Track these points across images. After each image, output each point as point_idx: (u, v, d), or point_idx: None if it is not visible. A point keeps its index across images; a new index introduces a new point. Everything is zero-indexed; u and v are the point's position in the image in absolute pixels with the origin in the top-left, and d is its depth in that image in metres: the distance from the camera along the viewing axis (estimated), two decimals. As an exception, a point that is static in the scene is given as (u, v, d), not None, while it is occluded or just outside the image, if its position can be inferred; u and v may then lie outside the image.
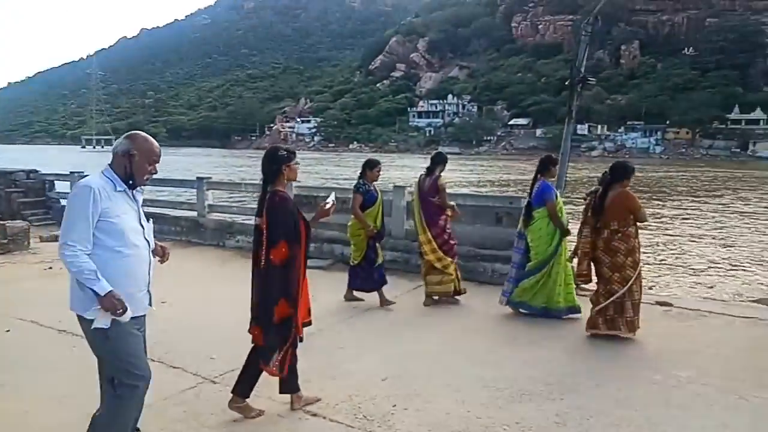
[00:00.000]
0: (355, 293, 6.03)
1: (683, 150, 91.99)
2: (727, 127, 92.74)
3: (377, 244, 5.95)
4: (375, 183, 5.93)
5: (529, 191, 5.68)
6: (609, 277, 4.85)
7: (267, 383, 3.45)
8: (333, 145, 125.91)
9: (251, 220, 9.91)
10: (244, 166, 57.98)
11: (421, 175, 6.15)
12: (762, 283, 10.35)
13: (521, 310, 5.57)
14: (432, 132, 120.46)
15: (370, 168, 5.83)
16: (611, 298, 4.79)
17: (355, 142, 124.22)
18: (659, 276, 10.69)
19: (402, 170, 50.44)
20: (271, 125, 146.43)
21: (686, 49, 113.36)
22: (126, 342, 2.59)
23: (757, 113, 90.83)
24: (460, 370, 4.13)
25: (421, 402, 3.64)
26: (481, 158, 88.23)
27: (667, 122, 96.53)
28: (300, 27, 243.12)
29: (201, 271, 7.69)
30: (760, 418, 3.42)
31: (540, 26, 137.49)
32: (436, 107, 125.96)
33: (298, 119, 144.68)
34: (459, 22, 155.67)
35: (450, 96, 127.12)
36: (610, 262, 4.85)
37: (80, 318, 2.57)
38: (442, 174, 6.15)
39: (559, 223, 5.40)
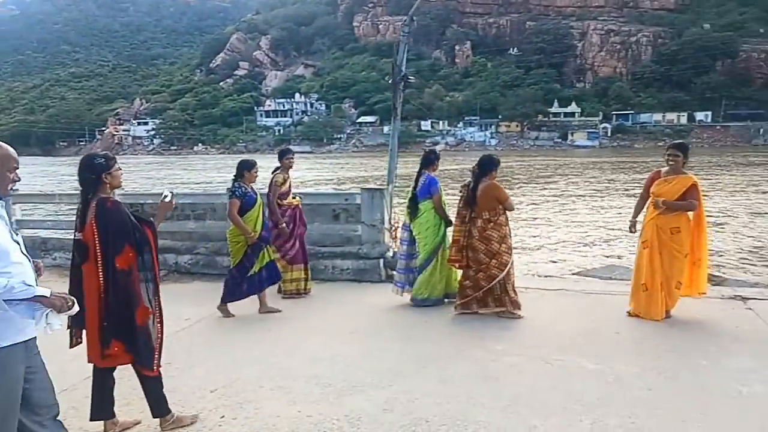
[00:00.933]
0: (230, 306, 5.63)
1: (514, 141, 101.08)
2: (549, 119, 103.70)
3: (264, 251, 5.58)
4: (253, 185, 5.62)
5: (413, 185, 5.74)
6: (488, 264, 5.19)
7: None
8: (176, 147, 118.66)
9: (70, 235, 8.96)
10: (72, 175, 52.32)
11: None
12: (603, 257, 11.35)
13: (427, 305, 5.64)
14: (281, 131, 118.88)
15: (248, 169, 5.49)
16: (493, 282, 5.16)
17: (200, 144, 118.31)
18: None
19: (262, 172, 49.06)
20: (103, 128, 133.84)
21: (512, 49, 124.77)
22: (12, 382, 2.30)
23: (573, 107, 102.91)
24: (293, 371, 4.09)
25: (251, 409, 3.53)
26: (333, 156, 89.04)
27: (499, 117, 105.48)
28: (129, 22, 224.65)
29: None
30: (559, 379, 3.83)
31: (380, 26, 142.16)
32: (284, 106, 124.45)
33: (134, 121, 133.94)
34: (301, 21, 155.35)
35: (297, 95, 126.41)
36: (486, 250, 5.19)
37: None
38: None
39: (444, 214, 5.63)
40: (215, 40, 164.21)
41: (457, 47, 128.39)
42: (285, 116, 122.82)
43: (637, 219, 5.33)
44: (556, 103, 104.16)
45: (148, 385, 3.25)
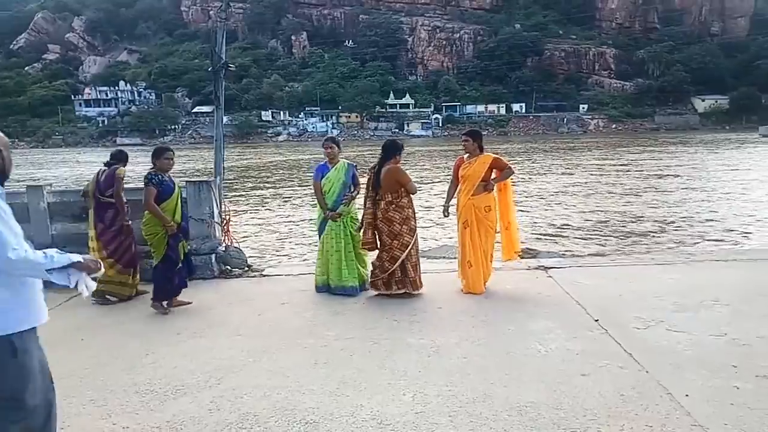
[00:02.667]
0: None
1: (355, 132, 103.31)
2: (386, 111, 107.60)
3: (180, 243, 5.37)
4: (170, 173, 5.37)
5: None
6: (390, 244, 5.31)
7: None
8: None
9: None
10: None
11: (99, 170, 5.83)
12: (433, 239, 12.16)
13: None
14: (106, 122, 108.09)
15: (156, 157, 5.25)
16: (396, 264, 5.27)
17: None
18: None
19: (77, 166, 44.03)
20: None
21: (347, 41, 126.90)
22: (35, 361, 2.38)
23: (407, 99, 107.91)
24: (109, 382, 3.75)
25: (56, 428, 3.17)
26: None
27: (339, 108, 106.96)
28: None
29: None
30: (385, 357, 4.01)
31: (211, 12, 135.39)
32: (107, 95, 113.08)
33: None
34: (120, 2, 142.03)
35: (122, 83, 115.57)
36: (388, 231, 5.33)
37: None
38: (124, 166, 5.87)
39: (322, 202, 5.75)
40: (15, 19, 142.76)
41: (293, 37, 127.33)
42: (109, 105, 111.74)
43: (450, 204, 5.76)
44: (392, 95, 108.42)
45: None
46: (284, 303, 5.42)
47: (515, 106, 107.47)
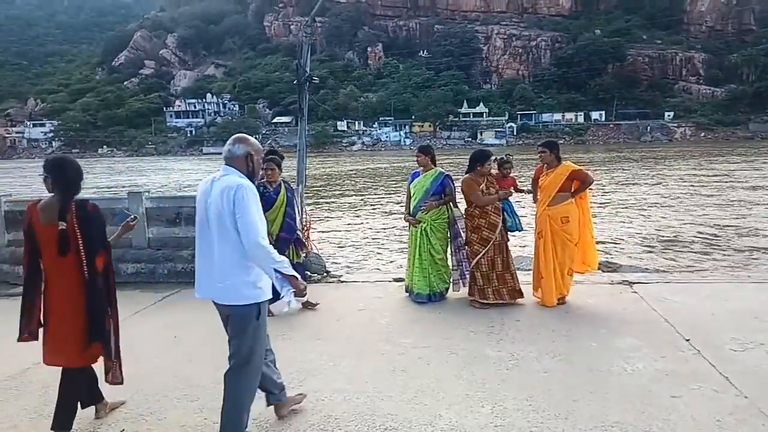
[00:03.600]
0: None
1: (428, 141, 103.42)
2: (459, 119, 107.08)
3: (287, 253, 5.38)
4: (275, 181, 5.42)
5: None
6: (469, 251, 5.51)
7: None
8: (78, 150, 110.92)
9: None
10: (-47, 182, 47.55)
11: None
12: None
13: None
14: (194, 132, 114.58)
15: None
16: (470, 268, 5.43)
17: (104, 147, 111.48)
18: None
19: (170, 174, 46.99)
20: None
21: (422, 51, 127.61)
22: (264, 327, 3.08)
23: (481, 107, 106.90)
24: (200, 379, 3.97)
25: (154, 420, 3.43)
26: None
27: (413, 117, 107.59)
28: (18, 15, 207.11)
29: None
30: (463, 368, 3.99)
31: (292, 26, 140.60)
32: (195, 107, 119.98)
33: (28, 122, 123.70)
34: (209, 19, 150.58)
35: (209, 95, 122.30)
36: (468, 239, 5.51)
37: (232, 306, 2.95)
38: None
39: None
40: (117, 38, 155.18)
41: (369, 49, 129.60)
42: (197, 117, 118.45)
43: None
44: (465, 104, 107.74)
45: (74, 393, 3.25)
46: (361, 309, 5.52)
47: (594, 114, 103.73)
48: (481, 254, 5.40)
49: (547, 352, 4.18)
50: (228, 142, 3.05)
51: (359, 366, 4.11)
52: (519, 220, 5.83)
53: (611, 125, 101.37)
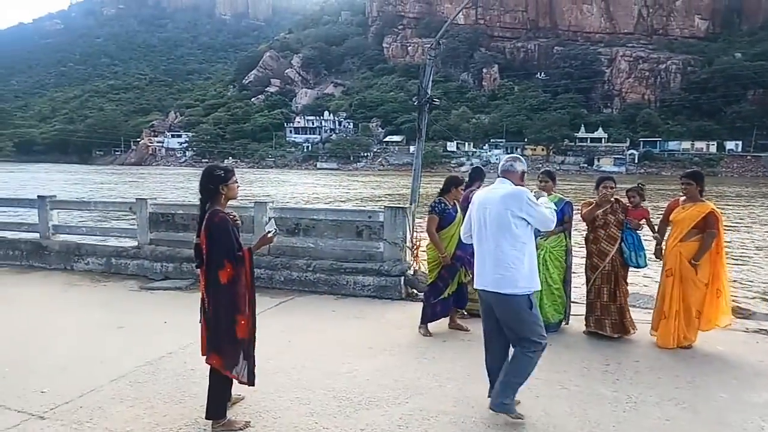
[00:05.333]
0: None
1: (540, 165, 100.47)
2: (575, 144, 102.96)
3: (459, 272, 5.39)
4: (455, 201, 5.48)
5: None
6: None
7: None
8: (207, 160, 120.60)
9: (103, 241, 9.27)
10: (106, 183, 53.77)
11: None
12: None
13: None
14: (310, 148, 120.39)
15: (455, 185, 5.40)
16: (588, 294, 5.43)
17: (230, 158, 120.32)
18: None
19: (283, 186, 49.86)
20: (138, 139, 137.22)
21: (539, 73, 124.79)
22: (539, 315, 3.58)
23: (599, 132, 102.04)
24: (312, 384, 4.17)
25: (270, 418, 3.63)
26: (360, 174, 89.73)
27: (525, 140, 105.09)
28: (167, 37, 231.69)
29: (40, 297, 7.01)
30: (575, 404, 3.84)
31: (409, 48, 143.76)
32: (313, 123, 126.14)
33: (168, 133, 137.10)
34: (332, 41, 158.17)
35: (326, 113, 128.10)
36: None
37: (503, 295, 3.43)
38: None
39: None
40: (249, 58, 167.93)
41: (484, 70, 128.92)
42: (314, 133, 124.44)
43: (661, 245, 5.33)
44: (582, 128, 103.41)
45: (217, 387, 3.41)
46: (468, 332, 5.47)
47: (729, 144, 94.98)
48: (591, 282, 5.25)
49: (670, 399, 3.90)
50: (506, 159, 3.74)
51: (465, 389, 4.08)
52: (644, 255, 5.39)
53: (749, 157, 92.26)
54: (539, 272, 5.41)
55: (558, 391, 4.07)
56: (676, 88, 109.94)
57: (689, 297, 4.96)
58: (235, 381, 3.47)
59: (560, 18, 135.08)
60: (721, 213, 5.10)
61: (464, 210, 5.37)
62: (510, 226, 3.42)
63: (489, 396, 3.67)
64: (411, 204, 7.34)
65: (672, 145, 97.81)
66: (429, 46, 6.70)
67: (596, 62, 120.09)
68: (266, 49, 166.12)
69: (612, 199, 5.39)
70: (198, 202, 3.46)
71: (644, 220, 5.54)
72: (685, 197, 5.15)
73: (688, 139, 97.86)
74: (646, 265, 5.49)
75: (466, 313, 5.85)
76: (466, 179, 5.89)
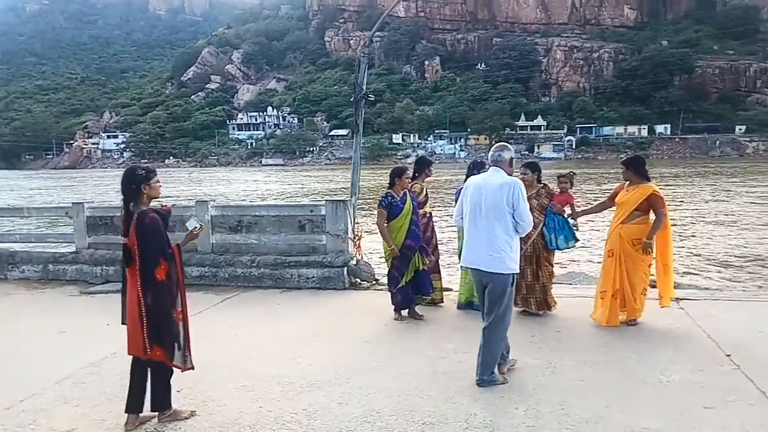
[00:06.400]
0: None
1: (483, 154, 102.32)
2: (516, 132, 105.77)
3: (413, 260, 5.55)
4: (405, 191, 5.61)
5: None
6: None
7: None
8: (146, 161, 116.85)
9: (39, 248, 9.04)
10: (39, 188, 51.32)
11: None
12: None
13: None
14: (254, 144, 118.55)
15: (398, 176, 5.53)
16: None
17: (171, 157, 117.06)
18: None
19: (230, 184, 48.98)
20: (71, 141, 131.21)
21: (479, 64, 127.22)
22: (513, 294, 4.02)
23: (539, 120, 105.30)
24: (257, 373, 4.34)
25: (215, 406, 3.79)
26: (305, 168, 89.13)
27: (468, 130, 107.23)
28: (98, 34, 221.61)
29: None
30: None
31: (352, 41, 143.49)
32: (256, 119, 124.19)
33: (103, 134, 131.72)
34: (273, 35, 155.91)
35: (270, 108, 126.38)
36: None
37: (495, 274, 3.83)
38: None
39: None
40: (186, 54, 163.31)
41: (426, 62, 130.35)
42: (257, 129, 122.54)
43: (580, 214, 5.73)
44: (523, 117, 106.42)
45: (160, 379, 3.51)
46: (407, 315, 5.75)
47: (659, 128, 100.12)
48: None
49: (585, 362, 4.31)
50: (494, 148, 4.09)
51: (403, 367, 4.36)
52: (564, 238, 5.60)
53: (677, 139, 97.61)
54: None
55: (487, 362, 4.41)
56: (609, 75, 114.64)
57: (633, 276, 5.16)
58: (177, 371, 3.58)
59: (498, 10, 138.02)
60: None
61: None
62: (505, 213, 3.81)
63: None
64: (352, 197, 7.56)
65: (606, 130, 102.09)
66: (363, 44, 6.91)
67: (533, 52, 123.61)
68: (205, 45, 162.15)
69: (540, 185, 5.71)
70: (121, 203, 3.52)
71: (568, 205, 5.91)
72: (628, 182, 5.37)
73: (621, 124, 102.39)
74: (567, 248, 5.74)
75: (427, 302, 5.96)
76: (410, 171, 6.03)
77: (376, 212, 5.61)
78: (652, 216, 5.21)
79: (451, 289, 6.56)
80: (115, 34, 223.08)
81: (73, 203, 8.25)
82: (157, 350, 3.44)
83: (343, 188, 37.85)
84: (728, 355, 4.33)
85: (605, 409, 3.53)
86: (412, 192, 5.87)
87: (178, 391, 3.97)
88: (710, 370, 4.07)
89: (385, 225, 5.54)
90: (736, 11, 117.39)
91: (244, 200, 33.05)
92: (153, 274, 3.34)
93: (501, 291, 3.86)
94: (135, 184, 3.39)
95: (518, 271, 3.95)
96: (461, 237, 5.71)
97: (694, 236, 15.28)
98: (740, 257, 12.26)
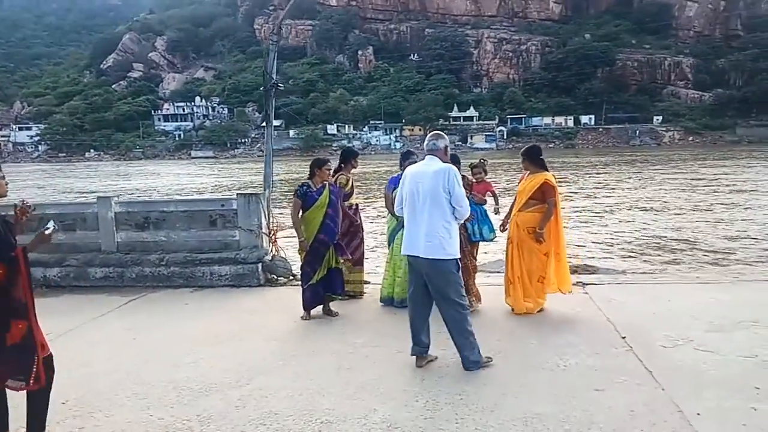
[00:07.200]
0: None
1: (418, 145, 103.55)
2: (450, 123, 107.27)
3: (326, 256, 5.40)
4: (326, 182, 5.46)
5: None
6: None
7: None
8: (65, 154, 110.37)
9: None
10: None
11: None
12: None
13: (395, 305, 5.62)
14: (182, 136, 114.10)
15: (319, 167, 5.41)
16: None
17: (92, 150, 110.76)
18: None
19: (158, 178, 46.93)
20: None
21: (412, 55, 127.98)
22: (460, 278, 4.05)
23: (471, 111, 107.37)
24: (151, 378, 4.12)
25: (102, 416, 3.56)
26: (237, 160, 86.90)
27: (403, 121, 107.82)
28: (4, 17, 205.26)
29: None
30: (405, 366, 4.16)
31: (283, 30, 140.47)
32: (184, 110, 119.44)
33: (14, 126, 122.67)
34: (199, 22, 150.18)
35: (198, 98, 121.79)
36: None
37: (435, 260, 3.87)
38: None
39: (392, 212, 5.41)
40: (105, 40, 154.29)
41: (359, 52, 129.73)
42: (185, 120, 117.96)
43: (508, 219, 5.63)
44: (455, 108, 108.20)
45: (34, 401, 3.14)
46: (318, 311, 5.65)
47: (584, 118, 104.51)
48: None
49: (488, 351, 4.33)
50: (429, 137, 4.14)
51: (308, 364, 4.26)
52: (488, 228, 5.65)
53: (601, 129, 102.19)
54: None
55: (394, 354, 4.39)
56: (537, 67, 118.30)
57: (530, 264, 5.29)
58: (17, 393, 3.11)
59: (429, 1, 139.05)
60: (560, 181, 5.59)
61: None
62: (442, 199, 3.87)
63: (412, 354, 4.16)
64: (265, 190, 7.35)
65: (535, 120, 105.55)
66: (272, 32, 6.67)
67: (464, 44, 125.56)
68: (125, 31, 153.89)
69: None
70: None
71: (489, 193, 5.95)
72: (527, 171, 5.50)
73: (548, 114, 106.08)
74: (491, 239, 5.77)
75: (345, 296, 5.80)
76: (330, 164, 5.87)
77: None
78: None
79: (368, 282, 6.48)
80: (24, 17, 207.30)
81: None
82: None
83: (280, 180, 37.15)
84: (623, 338, 4.52)
85: (502, 396, 3.58)
86: (337, 184, 5.77)
87: (63, 403, 3.73)
88: (605, 353, 4.22)
89: (299, 216, 5.39)
90: (651, 7, 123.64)
91: (179, 194, 31.78)
92: None
93: (445, 277, 3.91)
94: None
95: (459, 256, 3.98)
96: (390, 227, 5.72)
97: (615, 222, 16.03)
98: (651, 240, 12.96)
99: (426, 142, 4.16)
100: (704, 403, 3.35)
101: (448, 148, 4.15)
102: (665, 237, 13.34)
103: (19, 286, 2.98)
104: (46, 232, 3.12)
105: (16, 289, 2.96)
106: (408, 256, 4.11)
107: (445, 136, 4.19)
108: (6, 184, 3.14)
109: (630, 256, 11.32)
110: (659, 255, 11.35)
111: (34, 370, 3.07)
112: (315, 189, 5.40)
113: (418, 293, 4.11)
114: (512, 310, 5.37)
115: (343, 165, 6.12)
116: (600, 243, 12.77)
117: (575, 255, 10.96)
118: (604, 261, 10.49)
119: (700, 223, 15.10)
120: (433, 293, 4.02)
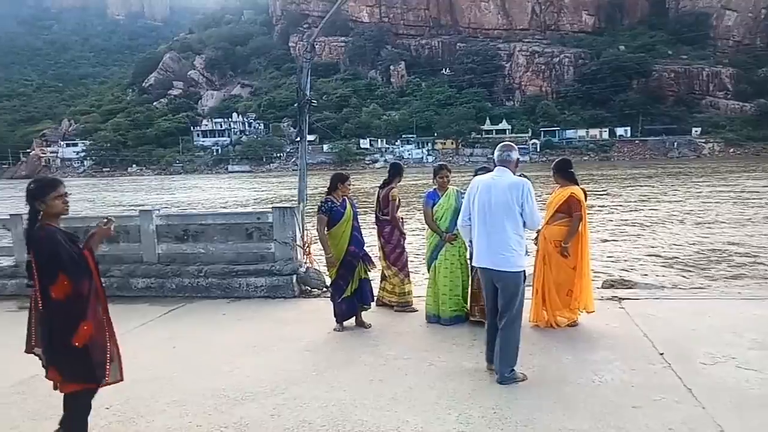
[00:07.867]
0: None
1: (450, 158, 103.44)
2: (482, 136, 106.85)
3: (357, 269, 5.50)
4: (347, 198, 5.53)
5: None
6: None
7: None
8: (108, 169, 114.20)
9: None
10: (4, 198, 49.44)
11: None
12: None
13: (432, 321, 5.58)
14: (219, 151, 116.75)
15: (341, 182, 5.48)
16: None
17: (134, 165, 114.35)
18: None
19: (201, 192, 48.09)
20: (28, 150, 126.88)
21: (444, 69, 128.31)
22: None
23: (503, 124, 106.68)
24: (190, 386, 4.23)
25: (143, 423, 3.67)
26: (273, 175, 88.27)
27: (435, 134, 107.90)
28: (54, 40, 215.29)
29: None
30: (438, 378, 4.17)
31: (317, 46, 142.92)
32: (221, 126, 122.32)
33: (62, 143, 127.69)
34: (236, 40, 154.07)
35: (235, 114, 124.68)
36: None
37: (506, 272, 3.95)
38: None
39: (435, 228, 5.54)
40: (147, 60, 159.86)
41: (392, 67, 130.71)
42: (223, 136, 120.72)
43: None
44: (488, 121, 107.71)
45: (71, 404, 3.21)
46: (351, 323, 5.70)
47: (619, 130, 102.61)
48: (475, 272, 5.41)
49: (521, 365, 4.30)
50: (502, 148, 4.14)
51: (341, 375, 4.31)
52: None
53: (637, 141, 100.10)
54: (453, 267, 5.53)
55: (426, 367, 4.40)
56: (570, 79, 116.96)
57: (557, 276, 5.24)
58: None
59: (460, 15, 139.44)
60: (588, 195, 5.50)
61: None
62: (515, 212, 3.92)
63: (487, 361, 4.23)
64: (300, 203, 7.49)
65: (569, 133, 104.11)
66: (305, 49, 6.85)
67: (496, 57, 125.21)
68: (166, 51, 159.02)
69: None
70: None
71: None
72: (558, 185, 5.47)
73: (583, 127, 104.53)
74: None
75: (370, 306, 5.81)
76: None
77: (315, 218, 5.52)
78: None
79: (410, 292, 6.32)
80: (72, 40, 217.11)
81: (10, 215, 7.94)
82: (52, 372, 3.12)
83: (312, 193, 37.60)
84: (661, 354, 4.42)
85: (536, 411, 3.55)
86: (390, 197, 5.85)
87: (107, 408, 3.86)
88: (642, 369, 4.14)
89: (326, 232, 5.47)
90: (688, 17, 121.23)
91: (224, 207, 32.58)
92: (48, 291, 2.99)
93: (513, 289, 3.95)
94: (29, 201, 3.06)
95: (524, 268, 4.02)
96: (431, 244, 5.69)
97: (668, 234, 15.68)
98: (696, 255, 12.61)
99: (498, 153, 4.14)
100: (747, 423, 3.26)
101: (519, 160, 4.18)
102: (726, 251, 12.95)
103: (83, 288, 3.06)
104: (106, 224, 3.21)
105: (81, 292, 3.05)
106: (480, 268, 4.13)
107: (516, 147, 4.19)
108: (63, 203, 3.13)
109: (687, 271, 11.03)
110: (721, 270, 11.00)
111: (98, 372, 3.18)
112: (339, 203, 5.47)
113: (493, 306, 4.13)
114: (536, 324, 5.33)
115: (393, 178, 6.11)
116: (657, 256, 12.53)
117: (630, 268, 10.75)
118: (659, 277, 10.19)
119: (759, 238, 14.58)
120: (500, 303, 4.03)
